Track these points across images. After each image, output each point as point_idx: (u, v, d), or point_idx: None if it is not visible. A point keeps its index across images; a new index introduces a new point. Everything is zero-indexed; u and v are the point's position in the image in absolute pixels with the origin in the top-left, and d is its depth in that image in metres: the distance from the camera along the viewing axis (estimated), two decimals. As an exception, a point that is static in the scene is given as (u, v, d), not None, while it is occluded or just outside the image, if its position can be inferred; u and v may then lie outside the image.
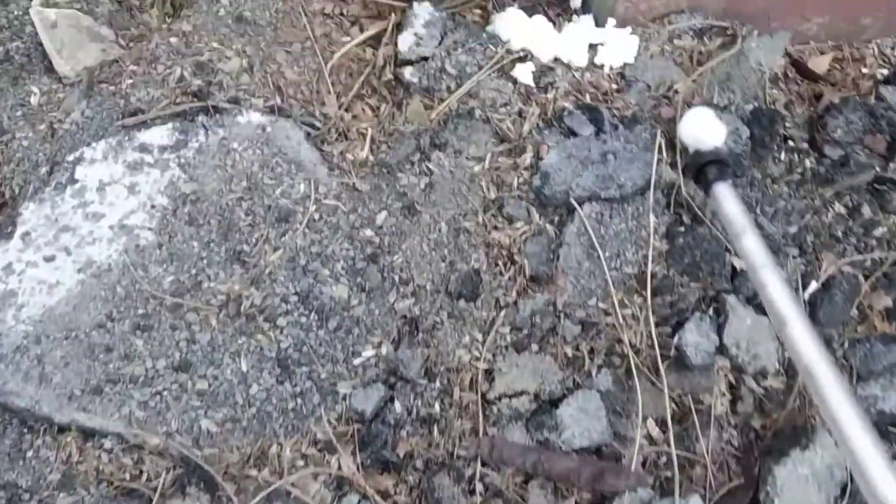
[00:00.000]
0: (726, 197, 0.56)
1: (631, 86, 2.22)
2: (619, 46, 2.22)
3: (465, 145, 2.12)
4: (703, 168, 0.76)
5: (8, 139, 2.24)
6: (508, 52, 2.23)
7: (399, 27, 2.33)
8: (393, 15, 2.36)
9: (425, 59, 2.23)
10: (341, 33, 2.35)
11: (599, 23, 2.28)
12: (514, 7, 2.23)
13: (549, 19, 2.32)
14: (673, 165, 1.99)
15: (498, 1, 2.38)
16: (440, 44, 2.24)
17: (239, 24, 2.37)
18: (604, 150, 2.03)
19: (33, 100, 2.33)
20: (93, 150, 2.15)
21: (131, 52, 2.45)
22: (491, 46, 2.24)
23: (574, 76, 2.21)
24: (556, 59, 2.23)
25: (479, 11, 2.44)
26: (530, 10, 2.38)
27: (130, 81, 2.37)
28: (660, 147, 1.98)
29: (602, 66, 2.23)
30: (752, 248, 0.52)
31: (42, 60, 2.38)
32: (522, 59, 2.21)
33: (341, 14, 2.37)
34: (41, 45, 2.37)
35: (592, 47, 2.24)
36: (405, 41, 2.24)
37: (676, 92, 2.15)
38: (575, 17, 2.38)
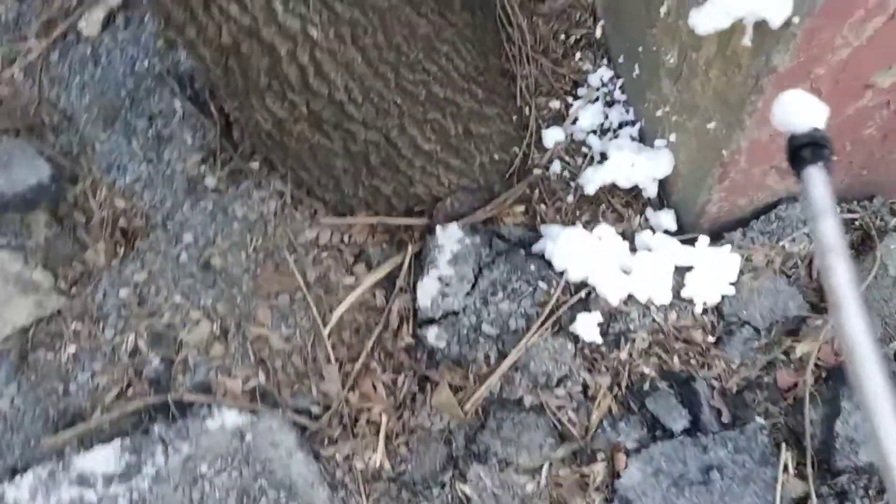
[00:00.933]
0: (816, 180, 0.40)
1: (733, 332, 1.61)
2: (714, 271, 1.61)
3: (512, 451, 1.53)
4: (797, 152, 0.48)
5: None
6: (566, 289, 1.63)
7: (418, 259, 1.74)
8: (410, 243, 1.78)
9: (454, 313, 1.64)
10: (342, 272, 1.77)
11: (683, 225, 1.69)
12: (569, 228, 1.63)
13: (618, 216, 1.73)
14: (803, 477, 1.38)
15: (548, 200, 1.79)
16: (473, 287, 1.65)
17: (206, 273, 1.80)
18: (705, 463, 1.43)
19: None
20: (16, 487, 1.58)
21: (73, 304, 1.90)
22: (541, 284, 1.64)
23: (655, 320, 1.61)
24: (629, 297, 1.62)
25: (521, 210, 1.85)
26: (592, 217, 1.78)
27: (73, 350, 1.82)
28: (784, 464, 1.36)
29: (692, 302, 1.61)
30: (826, 231, 0.39)
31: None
32: (585, 303, 1.60)
33: (341, 242, 1.78)
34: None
35: (677, 269, 1.63)
36: (426, 290, 1.65)
37: (796, 342, 1.53)
38: (650, 213, 1.77)
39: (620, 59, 1.96)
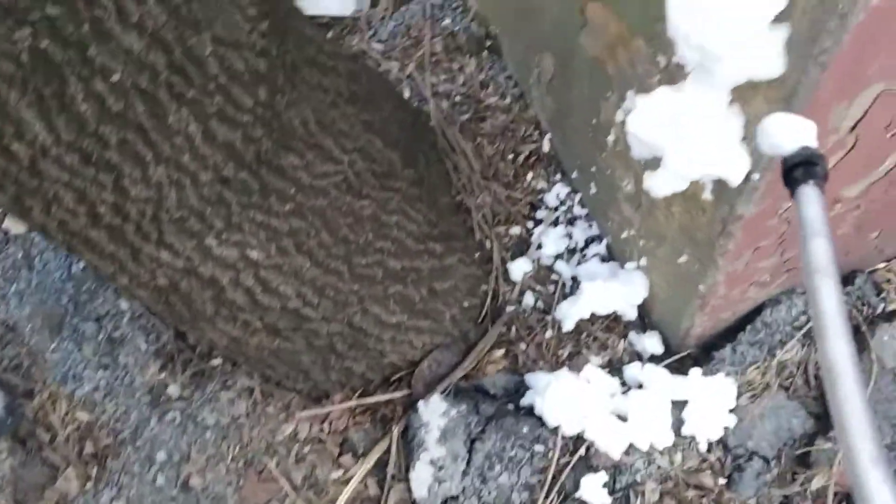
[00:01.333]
0: (809, 200, 0.40)
1: (742, 468, 1.55)
2: (712, 401, 1.53)
3: None
4: (789, 173, 0.47)
5: None
6: (564, 448, 1.55)
7: (405, 438, 1.65)
8: (393, 419, 1.69)
9: (454, 498, 1.55)
10: (329, 467, 1.67)
11: (670, 346, 1.63)
12: (556, 375, 1.56)
13: (601, 344, 1.66)
14: None
15: (527, 338, 1.71)
16: (468, 465, 1.56)
17: (188, 495, 1.68)
18: None
19: None
20: None
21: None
22: (537, 447, 1.57)
23: (661, 467, 1.53)
24: (630, 446, 1.54)
25: (501, 354, 1.77)
26: (574, 357, 1.71)
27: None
28: None
29: (695, 439, 1.53)
30: (817, 252, 0.37)
31: None
32: (586, 461, 1.52)
33: (322, 433, 1.68)
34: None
35: (674, 404, 1.55)
36: (421, 479, 1.56)
37: (811, 474, 1.46)
38: (634, 336, 1.70)
39: (574, 174, 1.89)
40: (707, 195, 1.28)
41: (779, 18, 0.95)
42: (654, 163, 1.22)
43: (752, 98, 1.10)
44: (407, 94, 2.02)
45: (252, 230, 1.27)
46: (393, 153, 1.56)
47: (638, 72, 1.42)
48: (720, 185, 1.25)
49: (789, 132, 0.47)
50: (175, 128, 1.08)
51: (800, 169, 0.43)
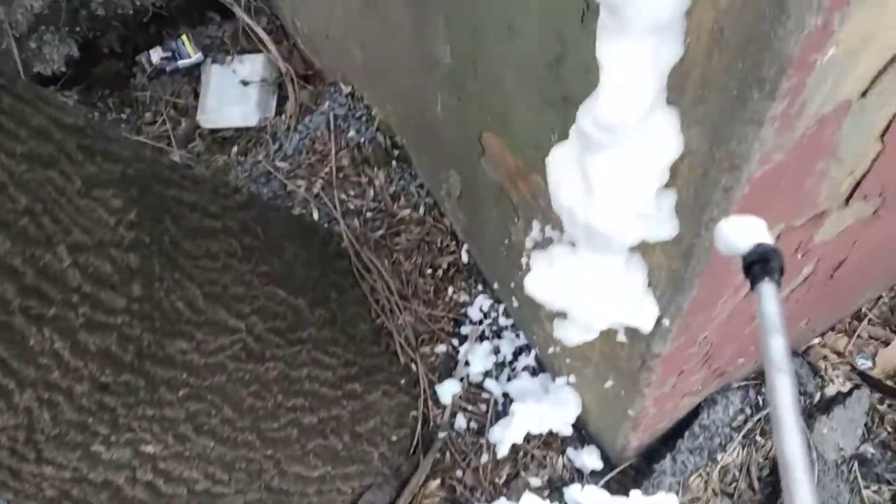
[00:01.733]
0: (766, 297, 0.44)
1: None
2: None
3: None
4: (748, 270, 0.50)
5: None
6: None
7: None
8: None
9: None
10: None
11: (609, 459, 1.58)
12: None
13: (539, 462, 1.60)
14: None
15: (462, 464, 1.63)
16: None
17: None
18: None
19: None
20: None
21: None
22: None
23: None
24: None
25: (437, 484, 1.69)
26: (513, 481, 1.64)
27: None
28: None
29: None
30: (776, 349, 0.42)
31: None
32: None
33: None
34: None
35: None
36: None
37: None
38: (572, 452, 1.65)
39: (496, 286, 1.84)
40: (622, 337, 1.23)
41: (666, 185, 0.91)
42: (562, 313, 1.17)
43: (651, 251, 1.05)
44: (316, 215, 1.95)
45: (143, 426, 1.18)
46: (298, 299, 1.49)
47: (541, 204, 1.37)
48: (633, 330, 1.20)
49: (743, 232, 0.49)
50: (38, 349, 0.99)
51: (757, 266, 0.47)
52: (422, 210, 1.93)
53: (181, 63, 2.59)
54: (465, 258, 1.84)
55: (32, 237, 0.94)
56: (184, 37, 2.62)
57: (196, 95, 2.59)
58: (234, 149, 2.28)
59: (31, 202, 0.95)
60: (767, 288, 0.48)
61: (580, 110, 0.87)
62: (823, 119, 0.87)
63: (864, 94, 0.88)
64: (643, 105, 0.82)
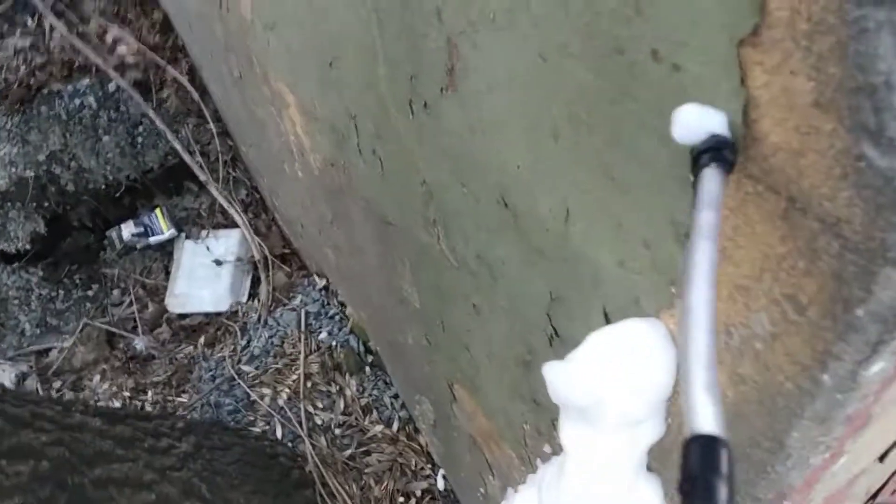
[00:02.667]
0: (709, 178, 0.41)
1: None
2: None
3: None
4: (696, 161, 0.43)
5: None
6: None
7: None
8: None
9: None
10: None
11: None
12: None
13: None
14: None
15: None
16: None
17: None
18: None
19: None
20: None
21: None
22: None
23: None
24: None
25: None
26: None
27: None
28: None
29: None
30: (705, 220, 0.40)
31: None
32: None
33: None
34: None
35: None
36: None
37: None
38: None
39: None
40: None
41: None
42: None
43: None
44: (279, 432, 1.79)
45: None
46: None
47: (515, 478, 1.22)
48: None
49: (699, 122, 0.37)
50: None
51: (706, 154, 0.42)
52: (395, 426, 1.78)
53: (153, 239, 2.50)
54: (440, 485, 1.67)
55: None
56: (158, 210, 2.54)
57: (167, 273, 2.48)
58: (202, 339, 2.15)
59: None
60: (711, 172, 0.43)
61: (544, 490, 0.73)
62: (833, 496, 0.74)
63: (881, 458, 0.75)
64: (617, 484, 0.68)
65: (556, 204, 0.68)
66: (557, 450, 0.97)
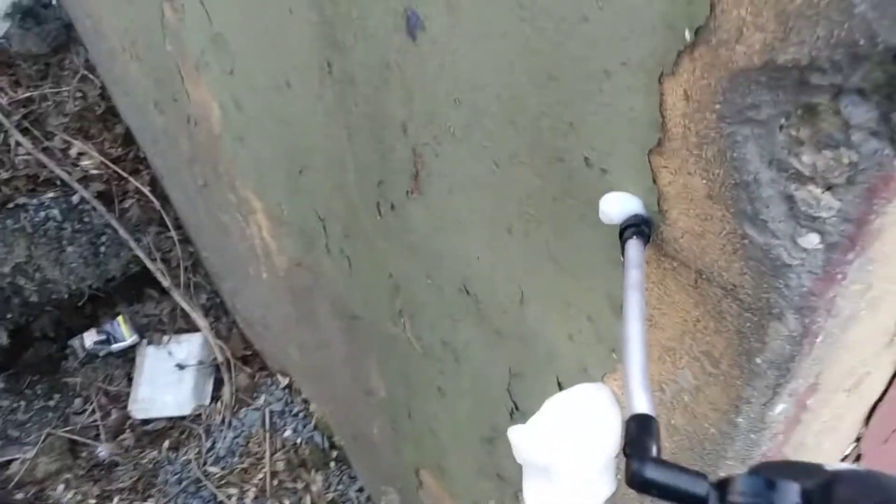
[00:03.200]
0: (631, 247, 0.57)
1: None
2: None
3: None
4: (621, 235, 0.59)
5: None
6: None
7: None
8: None
9: None
10: None
11: None
12: None
13: None
14: None
15: None
16: None
17: None
18: None
19: None
20: None
21: None
22: None
23: None
24: None
25: None
26: None
27: None
28: None
29: None
30: (633, 276, 0.54)
31: None
32: None
33: None
34: None
35: None
36: None
37: None
38: None
39: None
40: None
41: None
42: None
43: None
44: (247, 536, 1.80)
45: None
46: None
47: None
48: None
49: (622, 205, 0.56)
50: None
51: (629, 230, 0.55)
52: (363, 521, 1.81)
53: (115, 346, 2.52)
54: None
55: None
56: (120, 318, 2.57)
57: (129, 380, 2.50)
58: (166, 443, 2.15)
59: None
60: (633, 242, 0.54)
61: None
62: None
63: None
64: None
65: (512, 289, 0.78)
66: (522, 522, 1.04)
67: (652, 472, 0.40)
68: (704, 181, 0.48)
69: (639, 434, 0.43)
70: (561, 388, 0.76)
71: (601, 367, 0.69)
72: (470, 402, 1.04)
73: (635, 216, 0.56)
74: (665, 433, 0.65)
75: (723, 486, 0.38)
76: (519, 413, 0.90)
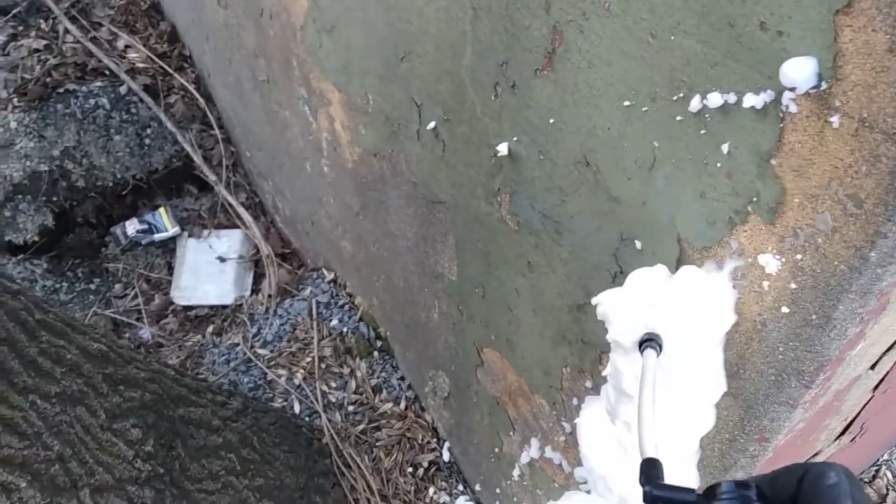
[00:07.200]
0: (648, 356, 0.81)
1: None
2: None
3: None
4: (640, 345, 0.84)
5: None
6: None
7: None
8: None
9: None
10: None
11: None
12: None
13: None
14: None
15: None
16: None
17: None
18: None
19: None
20: None
21: None
22: None
23: None
24: None
25: None
26: None
27: None
28: None
29: None
30: (649, 381, 0.75)
31: None
32: None
33: None
34: None
35: None
36: None
37: None
38: None
39: (478, 487, 1.82)
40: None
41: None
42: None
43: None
44: (297, 408, 1.92)
45: None
46: (289, 512, 1.45)
47: (542, 426, 1.40)
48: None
49: (634, 327, 0.81)
50: None
51: (644, 343, 0.80)
52: (403, 404, 1.93)
53: (157, 236, 2.60)
54: (446, 456, 1.83)
55: (60, 484, 0.92)
56: (161, 210, 2.65)
57: (170, 269, 2.59)
58: (210, 328, 2.26)
59: (62, 447, 0.93)
60: (649, 352, 0.80)
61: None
62: (839, 392, 0.94)
63: (872, 367, 0.96)
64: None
65: (643, 154, 0.87)
66: (599, 383, 1.16)
67: (659, 492, 0.59)
68: (889, 36, 0.57)
69: (650, 470, 0.64)
70: (681, 245, 0.86)
71: (732, 220, 0.79)
72: (562, 274, 1.14)
73: (649, 335, 0.81)
74: (789, 275, 0.75)
75: (708, 492, 0.55)
76: (623, 276, 1.00)
